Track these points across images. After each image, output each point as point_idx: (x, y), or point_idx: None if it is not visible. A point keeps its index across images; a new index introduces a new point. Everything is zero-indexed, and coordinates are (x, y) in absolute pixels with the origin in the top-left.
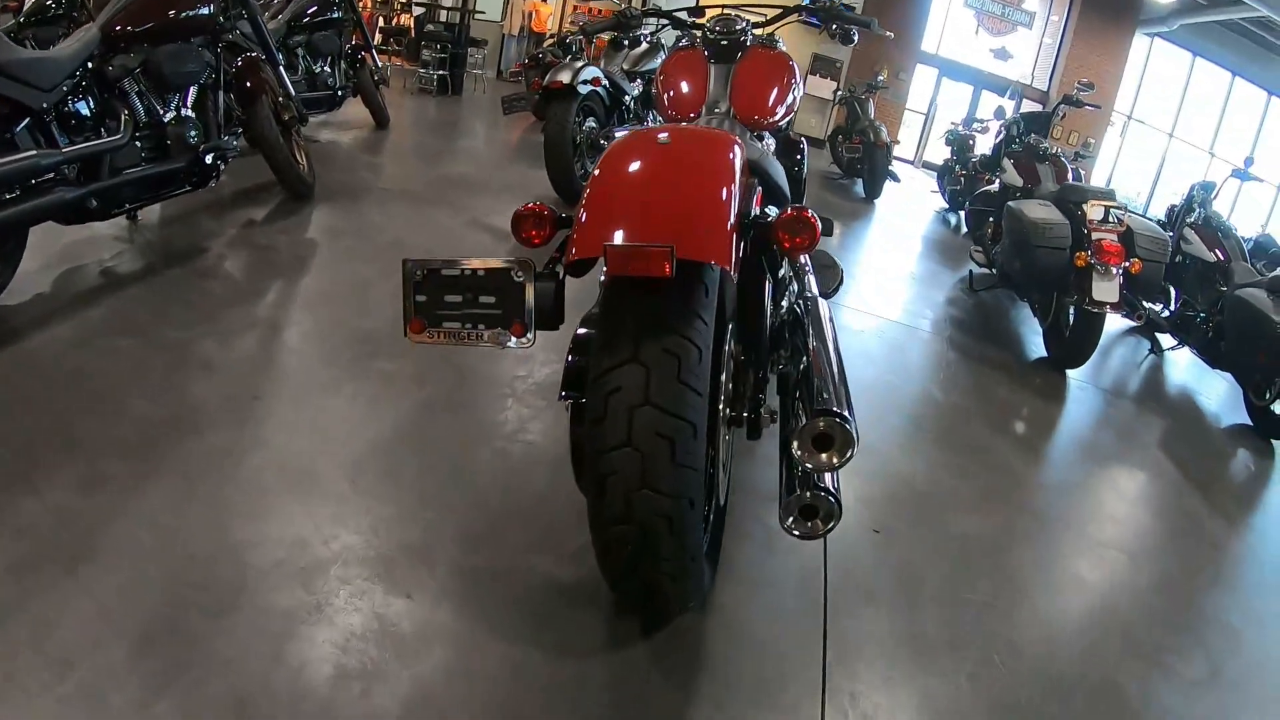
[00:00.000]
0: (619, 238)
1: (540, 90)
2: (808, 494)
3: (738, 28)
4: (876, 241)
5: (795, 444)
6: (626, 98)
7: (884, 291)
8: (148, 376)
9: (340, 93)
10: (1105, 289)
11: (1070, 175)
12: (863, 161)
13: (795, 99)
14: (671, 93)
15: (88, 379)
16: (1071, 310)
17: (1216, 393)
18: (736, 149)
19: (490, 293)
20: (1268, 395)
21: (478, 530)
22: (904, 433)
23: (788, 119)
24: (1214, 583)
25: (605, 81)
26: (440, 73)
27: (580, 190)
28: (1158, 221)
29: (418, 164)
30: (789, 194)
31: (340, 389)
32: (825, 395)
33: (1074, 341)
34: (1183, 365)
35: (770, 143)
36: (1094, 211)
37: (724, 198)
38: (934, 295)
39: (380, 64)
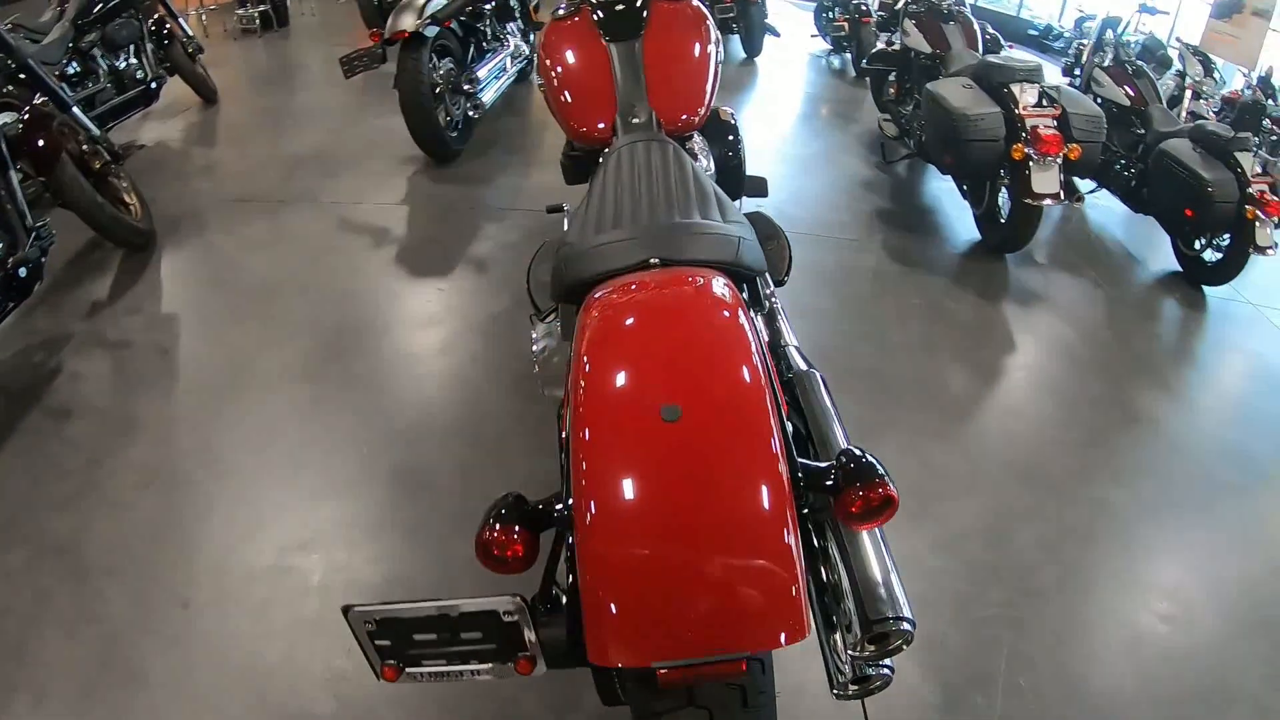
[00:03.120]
0: (661, 640)
1: (381, 42)
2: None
3: None
4: (769, 114)
5: (852, 652)
6: (483, 23)
7: (798, 189)
8: (54, 601)
9: (155, 84)
10: (1045, 180)
11: (979, 35)
12: (738, 20)
13: (718, 61)
14: (569, 94)
15: None
16: (1005, 195)
17: (1144, 240)
18: (768, 401)
19: (475, 629)
20: (1197, 245)
21: None
22: (866, 397)
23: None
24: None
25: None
26: (261, 8)
27: (448, 142)
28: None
29: (261, 145)
30: (762, 237)
31: (268, 557)
32: (873, 599)
33: (1011, 229)
34: (1105, 210)
35: (701, 144)
36: (1027, 96)
37: (785, 530)
38: (848, 179)
39: (191, 32)
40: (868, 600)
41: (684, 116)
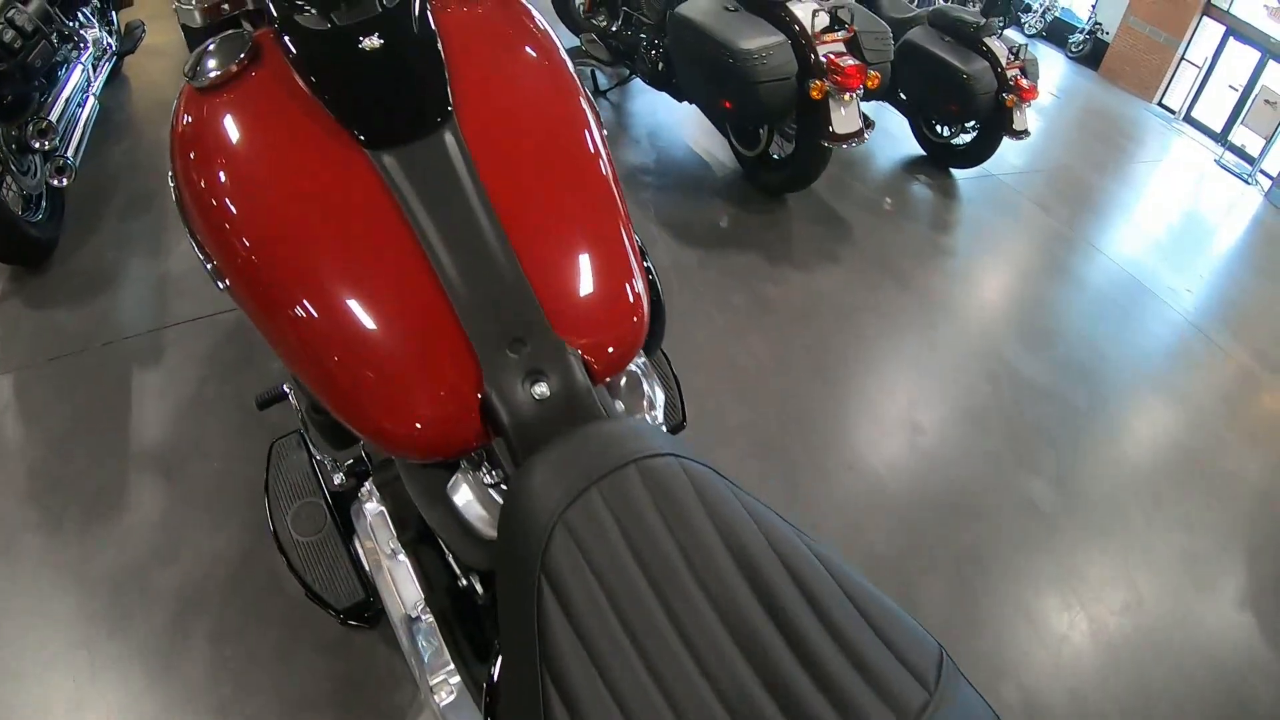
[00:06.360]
0: None
1: None
2: None
3: None
4: None
5: None
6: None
7: None
8: None
9: None
10: (846, 118)
11: None
12: None
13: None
14: (319, 322)
15: None
16: (780, 134)
17: (883, 130)
18: None
19: None
20: (944, 131)
21: None
22: (770, 471)
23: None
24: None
25: None
26: None
27: (31, 237)
28: None
29: None
30: None
31: None
32: None
33: (798, 172)
34: None
35: (642, 365)
36: (818, 21)
37: None
38: None
39: None
40: None
41: (618, 334)
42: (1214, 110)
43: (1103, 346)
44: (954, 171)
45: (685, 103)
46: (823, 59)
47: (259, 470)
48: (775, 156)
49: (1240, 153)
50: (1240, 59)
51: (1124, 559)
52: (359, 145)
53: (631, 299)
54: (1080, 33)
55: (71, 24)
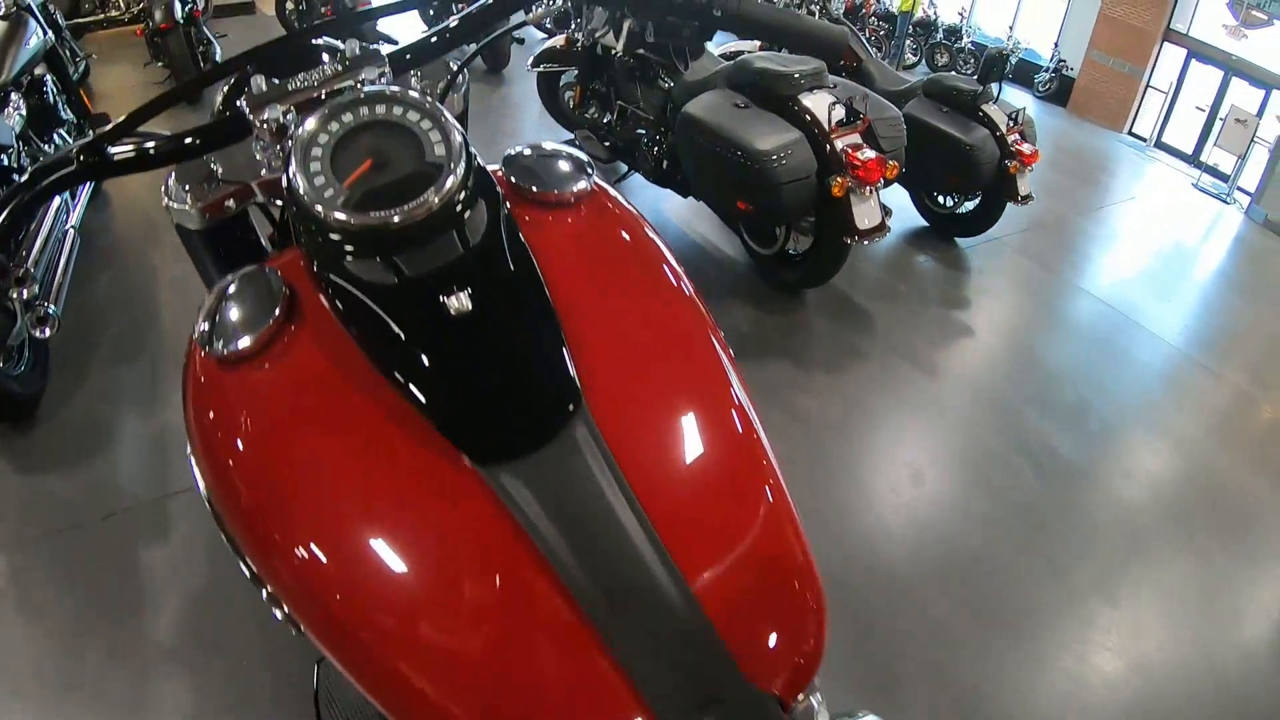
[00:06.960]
0: None
1: None
2: None
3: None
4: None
5: None
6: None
7: None
8: None
9: None
10: (868, 213)
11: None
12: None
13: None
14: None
15: None
16: (796, 231)
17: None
18: None
19: None
20: (947, 201)
21: None
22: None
23: None
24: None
25: None
26: None
27: (13, 393)
28: None
29: None
30: None
31: None
32: None
33: (816, 269)
34: None
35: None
36: (834, 114)
37: None
38: None
39: None
40: None
41: (805, 652)
42: (1183, 133)
43: (1133, 411)
44: (958, 240)
45: (688, 198)
46: (840, 153)
47: (294, 670)
48: (791, 253)
49: (1215, 172)
50: (1204, 80)
51: (1187, 639)
52: (469, 463)
53: (811, 599)
54: (1045, 71)
55: (47, 149)
